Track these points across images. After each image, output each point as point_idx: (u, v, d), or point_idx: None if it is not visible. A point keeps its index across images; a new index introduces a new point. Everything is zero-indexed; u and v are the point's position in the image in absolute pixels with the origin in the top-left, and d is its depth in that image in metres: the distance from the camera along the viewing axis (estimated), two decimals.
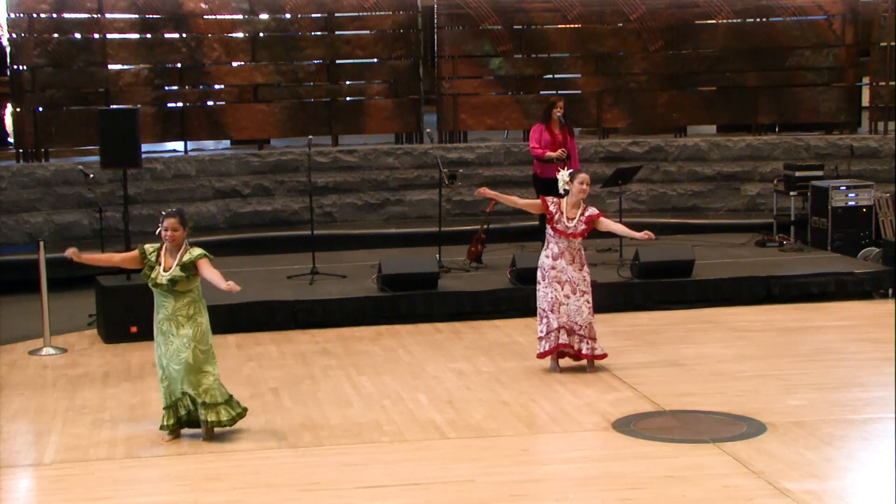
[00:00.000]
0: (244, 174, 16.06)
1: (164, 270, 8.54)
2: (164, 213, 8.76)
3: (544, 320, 10.23)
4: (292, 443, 8.65)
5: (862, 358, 10.88)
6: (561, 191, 10.25)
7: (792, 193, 15.20)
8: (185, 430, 8.74)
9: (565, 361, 10.43)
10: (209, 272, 8.55)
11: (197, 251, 8.61)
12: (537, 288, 10.29)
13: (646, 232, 10.33)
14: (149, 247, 8.68)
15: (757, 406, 9.31)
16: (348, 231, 15.78)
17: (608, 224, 10.36)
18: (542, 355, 10.33)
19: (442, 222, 14.02)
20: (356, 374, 10.46)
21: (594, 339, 10.27)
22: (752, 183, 16.68)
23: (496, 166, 16.56)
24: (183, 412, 8.66)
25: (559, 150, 13.33)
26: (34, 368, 10.90)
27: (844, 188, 14.71)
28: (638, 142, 16.85)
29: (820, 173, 15.30)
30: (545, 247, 10.29)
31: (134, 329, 11.64)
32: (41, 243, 11.69)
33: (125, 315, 11.68)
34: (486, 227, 13.87)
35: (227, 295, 12.13)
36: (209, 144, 17.28)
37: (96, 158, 13.33)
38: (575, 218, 10.16)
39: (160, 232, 8.63)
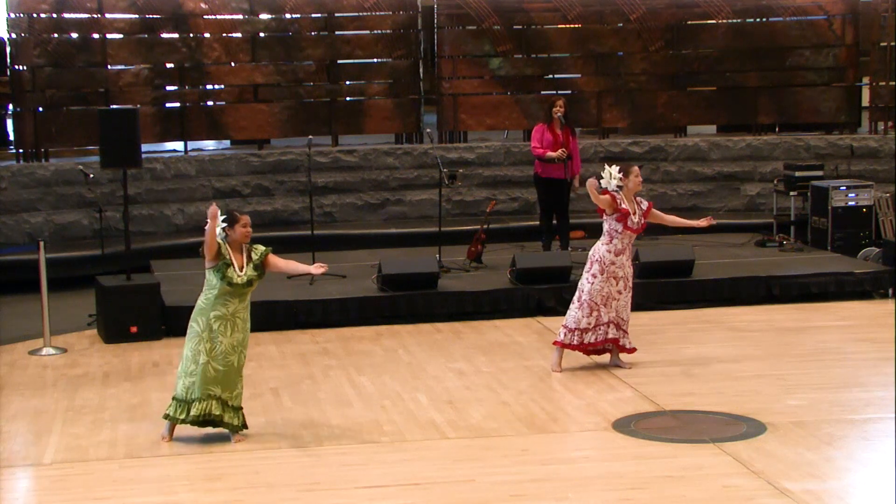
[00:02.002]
0: (244, 174, 16.06)
1: (239, 270, 8.51)
2: (228, 213, 8.54)
3: (594, 313, 10.15)
4: (292, 443, 8.65)
5: (862, 358, 10.87)
6: (613, 188, 10.07)
7: (792, 193, 15.20)
8: (185, 431, 8.72)
9: (566, 361, 10.43)
10: (284, 264, 8.66)
11: (261, 247, 8.60)
12: (591, 280, 10.12)
13: (707, 218, 10.48)
14: (221, 242, 8.53)
15: (757, 406, 9.31)
16: (348, 231, 15.77)
17: (659, 215, 10.43)
18: (588, 346, 10.23)
19: (442, 222, 14.01)
20: (356, 374, 10.46)
21: (628, 333, 10.34)
22: (752, 183, 16.68)
23: (496, 166, 16.56)
24: (197, 412, 8.51)
25: (559, 150, 13.34)
26: (34, 368, 10.90)
27: (844, 188, 14.71)
28: (638, 142, 16.85)
29: (820, 173, 15.30)
30: (607, 241, 10.12)
31: (134, 329, 11.65)
32: (41, 243, 11.68)
33: (125, 315, 11.68)
34: (486, 227, 13.87)
35: None
36: (209, 144, 17.28)
37: (96, 158, 13.33)
38: (637, 213, 10.13)
39: (223, 229, 8.46)
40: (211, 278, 8.52)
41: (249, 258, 8.54)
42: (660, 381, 10.07)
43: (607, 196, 10.02)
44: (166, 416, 8.65)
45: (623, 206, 10.03)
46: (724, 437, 8.57)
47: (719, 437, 8.57)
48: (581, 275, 10.33)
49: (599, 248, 10.18)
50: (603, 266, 10.12)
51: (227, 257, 8.47)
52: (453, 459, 8.26)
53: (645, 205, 10.19)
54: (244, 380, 9.96)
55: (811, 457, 8.18)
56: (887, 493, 7.49)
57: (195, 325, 8.56)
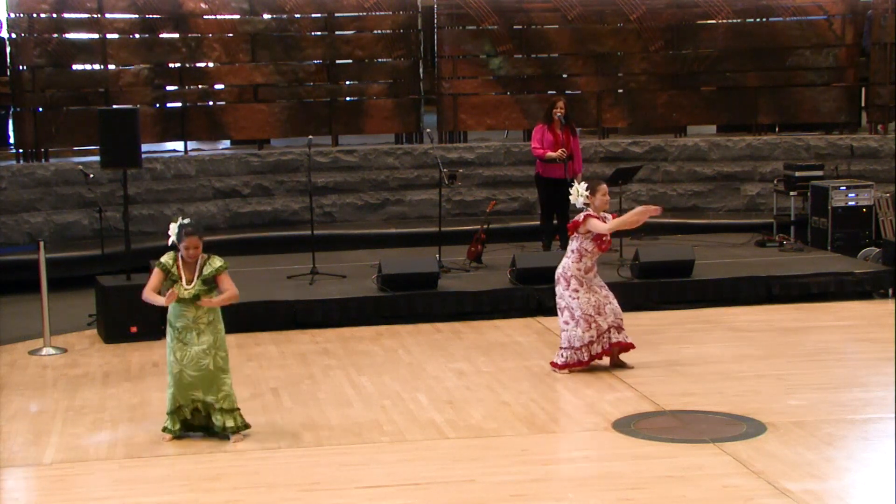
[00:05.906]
0: (244, 174, 16.06)
1: (187, 284, 8.53)
2: (178, 225, 8.59)
3: (594, 325, 10.15)
4: (292, 443, 8.65)
5: (862, 358, 10.88)
6: (580, 205, 10.12)
7: (792, 193, 15.21)
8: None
9: None
10: (226, 292, 8.60)
11: (217, 262, 8.60)
12: (575, 296, 10.12)
13: (647, 207, 10.15)
14: (167, 260, 8.58)
15: (757, 406, 9.31)
16: (348, 231, 15.77)
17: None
18: (596, 357, 10.23)
19: (442, 222, 14.01)
20: (356, 374, 10.46)
21: (625, 329, 10.37)
22: (752, 183, 16.68)
23: (496, 166, 16.56)
24: (188, 416, 8.63)
25: (559, 150, 13.34)
26: (34, 368, 10.90)
27: (844, 188, 14.72)
28: (638, 142, 16.85)
29: (820, 173, 15.31)
30: (576, 259, 10.13)
31: (134, 329, 11.66)
32: (41, 243, 11.68)
33: (125, 315, 11.68)
34: (486, 227, 13.87)
35: None
36: (209, 144, 17.28)
37: (96, 158, 13.33)
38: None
39: (173, 243, 8.56)
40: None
41: (201, 271, 8.56)
42: (660, 381, 10.07)
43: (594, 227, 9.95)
44: (164, 430, 8.70)
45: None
46: (724, 437, 8.57)
47: (719, 437, 8.57)
48: (562, 295, 10.22)
49: (570, 266, 10.17)
50: (579, 279, 10.16)
51: (175, 274, 8.54)
52: (453, 459, 8.26)
53: (610, 218, 10.19)
54: (245, 379, 9.96)
55: (811, 457, 8.18)
56: (887, 493, 7.49)
57: (167, 337, 8.67)
